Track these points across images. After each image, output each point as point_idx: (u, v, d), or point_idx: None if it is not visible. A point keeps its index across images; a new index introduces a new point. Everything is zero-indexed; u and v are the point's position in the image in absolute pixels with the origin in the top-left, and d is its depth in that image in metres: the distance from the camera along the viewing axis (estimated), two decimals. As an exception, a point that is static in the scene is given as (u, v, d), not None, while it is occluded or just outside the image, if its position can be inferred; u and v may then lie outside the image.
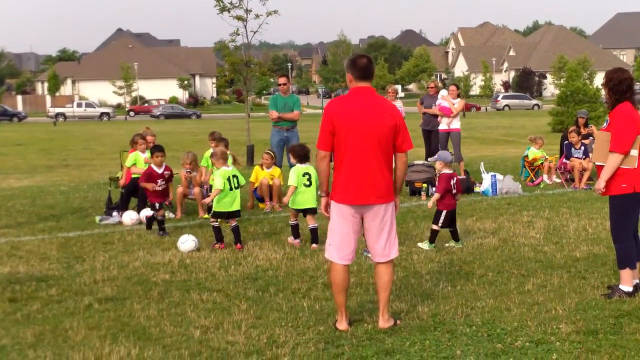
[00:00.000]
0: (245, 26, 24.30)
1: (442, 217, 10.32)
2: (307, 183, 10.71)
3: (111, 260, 9.99)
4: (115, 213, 13.17)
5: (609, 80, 7.74)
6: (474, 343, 6.41)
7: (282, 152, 15.51)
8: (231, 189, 10.61)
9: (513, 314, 7.19)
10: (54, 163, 27.47)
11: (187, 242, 10.36)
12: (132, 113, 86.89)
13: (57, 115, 79.63)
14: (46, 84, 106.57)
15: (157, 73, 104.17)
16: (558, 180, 16.74)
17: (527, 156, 17.43)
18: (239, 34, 24.63)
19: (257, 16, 24.02)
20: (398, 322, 6.94)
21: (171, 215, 13.12)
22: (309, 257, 9.79)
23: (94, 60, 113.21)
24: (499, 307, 7.40)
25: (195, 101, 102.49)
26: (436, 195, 10.42)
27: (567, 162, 16.62)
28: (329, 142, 6.61)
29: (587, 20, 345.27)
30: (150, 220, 11.90)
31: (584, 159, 16.26)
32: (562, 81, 46.93)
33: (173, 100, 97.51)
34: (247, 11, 24.07)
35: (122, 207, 13.21)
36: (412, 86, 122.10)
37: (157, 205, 11.64)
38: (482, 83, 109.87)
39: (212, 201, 10.66)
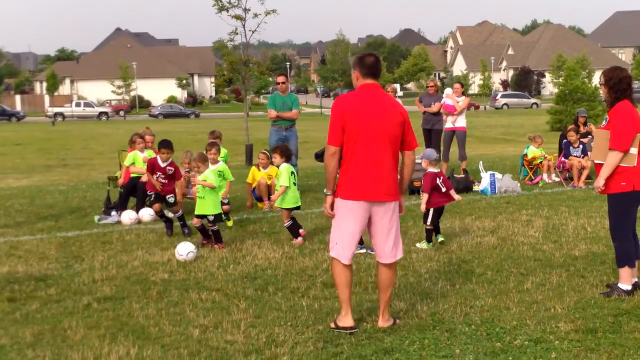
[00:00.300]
0: (244, 25, 24.30)
1: (429, 215, 10.36)
2: (295, 181, 11.10)
3: (110, 259, 9.98)
4: (114, 212, 13.16)
5: (608, 79, 7.73)
6: (473, 342, 6.41)
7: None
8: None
9: (512, 312, 7.19)
10: (53, 163, 27.49)
11: (189, 255, 9.76)
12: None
13: (56, 115, 79.72)
14: (45, 84, 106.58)
15: (155, 72, 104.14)
16: (557, 179, 16.75)
17: (526, 155, 17.44)
18: (237, 33, 24.63)
19: (255, 15, 24.01)
20: (397, 321, 6.91)
21: (170, 214, 13.09)
22: (307, 256, 9.78)
23: (92, 59, 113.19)
24: (498, 306, 7.40)
25: (193, 100, 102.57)
26: (425, 196, 10.45)
27: (566, 160, 16.64)
28: (340, 137, 6.53)
29: (585, 19, 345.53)
30: (160, 217, 11.84)
31: (583, 157, 16.28)
32: (560, 80, 47.00)
33: (172, 99, 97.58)
34: (246, 10, 24.06)
35: (121, 206, 13.21)
36: (410, 85, 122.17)
37: (152, 196, 11.71)
38: (481, 82, 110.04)
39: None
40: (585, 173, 15.94)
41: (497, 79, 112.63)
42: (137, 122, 61.62)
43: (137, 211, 12.97)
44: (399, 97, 18.26)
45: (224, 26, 25.53)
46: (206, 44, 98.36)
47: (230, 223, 12.06)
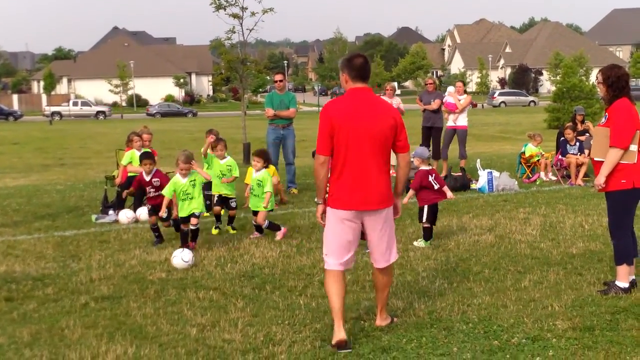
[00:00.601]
0: (241, 24, 24.26)
1: (424, 213, 10.40)
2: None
3: (107, 258, 9.98)
4: (111, 212, 13.17)
5: (606, 77, 7.74)
6: (470, 340, 6.41)
7: (278, 150, 15.53)
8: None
9: (509, 310, 7.20)
10: (50, 162, 27.44)
11: (188, 262, 9.39)
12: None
13: (53, 114, 79.59)
14: (42, 83, 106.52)
15: (153, 71, 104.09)
16: (554, 177, 16.77)
17: (523, 153, 17.45)
18: (234, 32, 24.58)
19: (252, 14, 23.97)
20: (395, 319, 6.90)
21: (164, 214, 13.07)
22: (305, 255, 9.79)
23: (89, 58, 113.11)
24: (495, 304, 7.41)
25: (191, 99, 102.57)
26: (410, 192, 10.50)
27: (563, 158, 16.66)
28: (328, 146, 6.27)
29: (583, 16, 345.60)
30: (152, 230, 11.09)
31: (580, 155, 16.30)
32: (558, 78, 47.07)
33: (169, 98, 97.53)
34: (243, 9, 24.03)
35: (118, 205, 13.21)
36: (408, 83, 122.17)
37: (149, 207, 11.20)
38: (479, 80, 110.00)
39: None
40: (582, 170, 15.96)
41: (494, 77, 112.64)
42: (134, 121, 61.60)
43: (135, 210, 12.96)
44: (397, 95, 18.31)
45: (221, 25, 25.56)
46: (203, 43, 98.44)
47: (216, 232, 11.65)
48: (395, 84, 29.36)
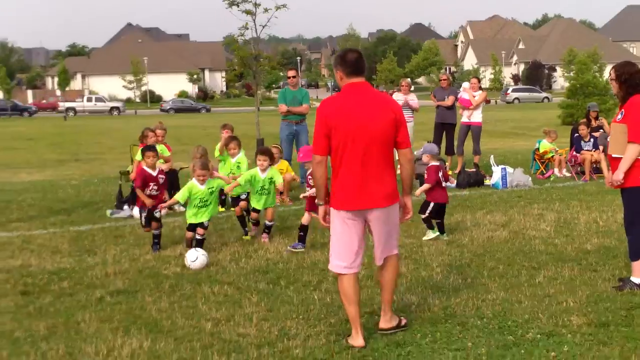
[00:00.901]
0: (254, 20, 24.23)
1: (429, 208, 10.42)
2: None
3: (122, 253, 10.01)
4: (126, 206, 13.22)
5: (620, 74, 7.70)
6: (485, 335, 6.40)
7: (291, 146, 15.53)
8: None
9: (524, 306, 7.18)
10: (65, 157, 27.54)
11: (197, 260, 9.13)
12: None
13: (68, 109, 79.90)
14: (56, 79, 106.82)
15: (166, 67, 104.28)
16: (568, 174, 16.71)
17: (537, 149, 17.40)
18: (247, 28, 24.56)
19: (265, 10, 23.94)
20: (404, 320, 6.63)
21: (182, 208, 13.08)
22: (319, 250, 9.78)
23: (103, 55, 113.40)
24: (509, 300, 7.39)
25: (204, 95, 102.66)
26: (426, 186, 10.51)
27: (578, 155, 16.61)
28: (325, 146, 6.05)
29: (596, 13, 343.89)
30: (155, 238, 10.28)
31: (594, 151, 16.24)
32: (571, 74, 46.81)
33: (183, 94, 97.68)
34: (256, 5, 24.00)
35: (133, 200, 13.23)
36: (421, 79, 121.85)
37: (143, 216, 10.47)
38: (492, 76, 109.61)
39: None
40: (603, 164, 15.77)
41: (508, 73, 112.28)
42: (148, 117, 61.69)
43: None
44: (412, 91, 18.22)
45: (234, 21, 25.56)
46: (217, 39, 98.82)
47: (247, 237, 10.87)
48: (409, 80, 29.22)
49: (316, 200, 6.42)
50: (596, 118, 18.33)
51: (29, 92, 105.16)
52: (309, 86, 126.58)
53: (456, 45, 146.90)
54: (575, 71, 42.18)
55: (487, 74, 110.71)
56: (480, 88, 17.70)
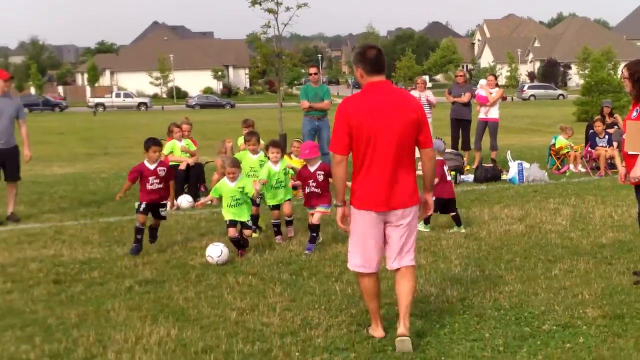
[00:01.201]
0: (276, 19, 24.23)
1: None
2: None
3: (150, 244, 10.04)
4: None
5: (633, 72, 7.61)
6: (502, 326, 6.38)
7: (313, 141, 15.51)
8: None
9: (540, 298, 7.15)
10: (95, 151, 27.67)
11: (222, 254, 8.90)
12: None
13: (97, 105, 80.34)
14: (86, 75, 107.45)
15: (192, 64, 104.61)
16: (583, 169, 16.62)
17: (553, 145, 17.32)
18: (270, 27, 24.56)
19: (287, 9, 23.94)
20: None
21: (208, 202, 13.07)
22: (340, 243, 9.76)
23: (131, 52, 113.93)
24: (526, 292, 7.36)
25: (229, 91, 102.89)
26: (435, 180, 10.42)
27: (592, 151, 16.52)
28: (345, 145, 5.74)
29: (610, 11, 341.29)
30: (136, 233, 9.61)
31: (609, 147, 16.15)
32: (586, 72, 46.57)
33: (208, 90, 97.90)
34: (278, 4, 23.98)
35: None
36: (439, 77, 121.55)
37: (142, 205, 9.63)
38: (508, 74, 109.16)
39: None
40: (617, 160, 15.63)
41: (523, 70, 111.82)
42: (174, 113, 61.90)
43: (176, 198, 13.04)
44: (428, 88, 18.23)
45: (257, 19, 25.48)
46: (240, 37, 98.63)
47: (256, 234, 10.36)
48: (427, 77, 29.13)
49: (334, 202, 6.05)
50: (610, 115, 18.20)
51: (60, 88, 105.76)
52: (330, 83, 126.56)
53: (473, 44, 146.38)
54: (590, 69, 41.94)
55: (503, 72, 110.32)
56: (496, 85, 17.61)
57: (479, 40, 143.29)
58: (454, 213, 10.51)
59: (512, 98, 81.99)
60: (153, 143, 9.86)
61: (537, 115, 45.90)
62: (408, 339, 5.81)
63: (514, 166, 15.41)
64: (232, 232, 9.23)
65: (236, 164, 9.61)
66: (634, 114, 7.64)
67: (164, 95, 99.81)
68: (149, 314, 6.98)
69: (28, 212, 12.94)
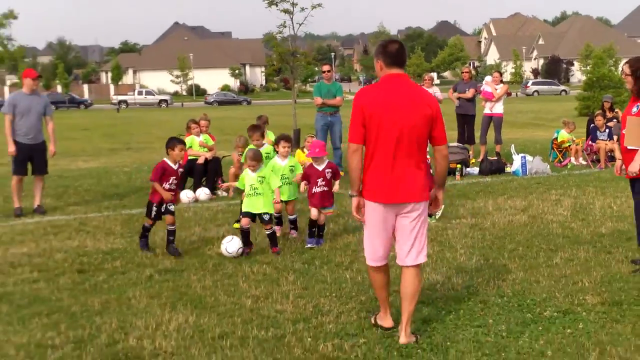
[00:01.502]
0: (292, 19, 24.24)
1: None
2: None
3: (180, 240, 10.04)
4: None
5: (635, 69, 7.56)
6: (505, 313, 6.37)
7: (326, 136, 15.50)
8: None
9: (542, 285, 7.13)
10: (118, 146, 27.74)
11: (232, 242, 8.75)
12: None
13: (120, 102, 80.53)
14: (110, 74, 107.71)
15: (210, 63, 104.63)
16: (584, 162, 16.55)
17: (556, 139, 17.27)
18: (285, 26, 24.58)
19: (302, 9, 23.97)
20: (418, 337, 5.83)
21: (224, 194, 13.12)
22: (351, 233, 9.77)
23: (153, 51, 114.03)
24: (528, 280, 7.35)
25: (245, 89, 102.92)
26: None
27: (593, 144, 16.46)
28: (360, 134, 5.53)
29: (612, 10, 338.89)
30: (144, 231, 9.25)
31: (609, 140, 16.08)
32: (588, 68, 46.39)
33: (226, 88, 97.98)
34: (293, 4, 24.01)
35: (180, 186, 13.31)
36: (447, 74, 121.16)
37: (153, 208, 9.09)
38: (513, 70, 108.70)
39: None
40: (617, 153, 15.57)
41: (528, 67, 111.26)
42: (193, 109, 61.95)
43: (195, 190, 13.08)
44: (436, 84, 18.18)
45: (273, 19, 25.52)
46: (257, 36, 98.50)
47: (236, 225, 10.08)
48: (434, 74, 28.97)
49: (349, 192, 5.77)
50: (611, 109, 18.12)
51: (85, 87, 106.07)
52: (342, 80, 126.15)
53: (480, 42, 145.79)
54: (592, 65, 41.79)
55: (508, 69, 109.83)
56: (501, 81, 17.55)
57: (485, 38, 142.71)
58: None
59: (517, 94, 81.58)
60: (179, 142, 9.29)
61: (540, 110, 45.68)
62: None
63: (517, 159, 15.37)
64: (245, 222, 8.84)
65: (257, 157, 8.95)
66: (634, 109, 7.60)
67: (184, 93, 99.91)
68: (168, 302, 7.00)
69: (54, 204, 13.00)
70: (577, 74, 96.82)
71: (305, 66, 36.71)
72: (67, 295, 7.33)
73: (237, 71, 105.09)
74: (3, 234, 10.53)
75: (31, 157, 12.07)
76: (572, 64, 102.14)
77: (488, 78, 17.88)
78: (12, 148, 11.87)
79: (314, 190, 9.18)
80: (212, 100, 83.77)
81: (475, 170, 15.48)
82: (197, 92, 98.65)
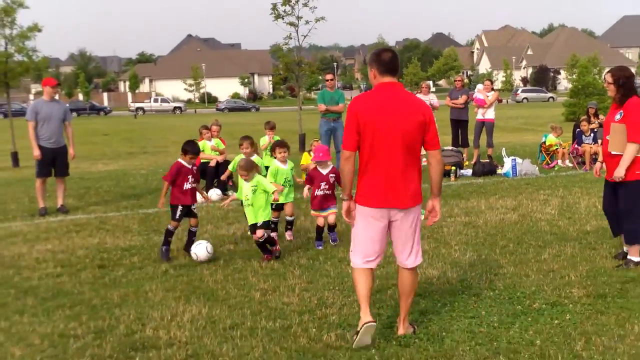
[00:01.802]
0: (297, 31, 24.30)
1: None
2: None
3: (184, 232, 10.02)
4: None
5: (617, 78, 7.51)
6: (497, 305, 6.36)
7: (329, 140, 15.51)
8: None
9: (531, 279, 7.12)
10: (135, 150, 27.77)
11: (200, 246, 8.39)
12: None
13: (137, 109, 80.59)
14: (127, 83, 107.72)
15: (221, 72, 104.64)
16: (571, 164, 16.54)
17: (544, 142, 17.25)
18: (291, 38, 24.65)
19: (307, 22, 24.03)
20: (415, 328, 5.83)
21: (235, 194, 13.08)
22: (353, 230, 9.74)
23: (168, 62, 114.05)
24: (518, 274, 7.33)
25: (254, 96, 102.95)
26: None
27: (579, 147, 16.45)
28: (354, 141, 5.32)
29: (596, 22, 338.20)
30: (167, 236, 8.70)
31: (594, 144, 16.07)
32: (574, 77, 46.23)
33: (235, 95, 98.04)
34: (298, 18, 24.08)
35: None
36: (442, 82, 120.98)
37: (178, 210, 8.68)
38: (504, 79, 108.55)
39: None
40: (600, 157, 15.54)
41: (517, 76, 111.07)
42: (206, 116, 62.01)
43: (207, 191, 13.08)
44: (432, 92, 18.16)
45: (279, 32, 25.58)
46: (264, 48, 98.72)
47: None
48: (430, 82, 29.06)
49: (341, 196, 5.61)
50: (595, 115, 18.08)
51: (105, 95, 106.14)
52: (344, 88, 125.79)
53: (472, 52, 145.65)
54: (577, 74, 41.61)
55: (499, 77, 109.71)
56: (492, 89, 17.53)
57: (477, 48, 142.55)
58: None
59: (507, 101, 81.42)
60: (191, 150, 8.81)
61: (530, 116, 45.60)
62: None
63: (508, 161, 15.34)
64: (255, 235, 8.28)
65: (247, 167, 8.38)
66: (617, 116, 7.54)
67: (197, 100, 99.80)
68: (183, 295, 7.01)
69: (76, 204, 13.02)
70: (564, 82, 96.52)
71: (309, 75, 36.77)
72: (88, 289, 7.35)
73: (246, 80, 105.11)
74: (28, 232, 10.55)
75: (54, 161, 12.09)
76: (559, 73, 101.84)
77: (480, 86, 17.87)
78: (37, 152, 11.89)
79: (316, 193, 8.91)
80: (223, 107, 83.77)
81: (469, 172, 15.47)
82: (209, 99, 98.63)
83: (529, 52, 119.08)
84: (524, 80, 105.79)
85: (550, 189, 13.04)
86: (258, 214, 8.27)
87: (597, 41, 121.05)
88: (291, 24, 24.15)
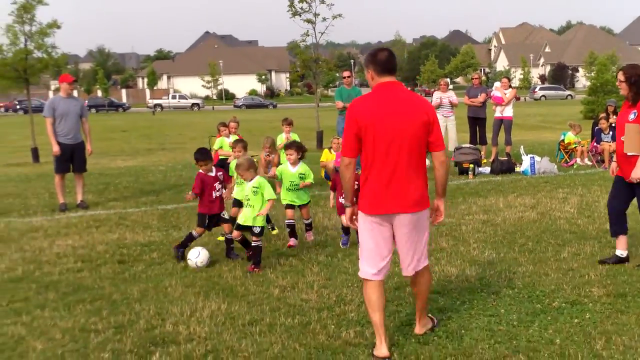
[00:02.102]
0: (314, 28, 24.29)
1: None
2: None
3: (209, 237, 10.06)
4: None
5: (629, 76, 7.40)
6: (516, 303, 6.33)
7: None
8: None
9: (550, 278, 7.08)
10: (153, 146, 27.87)
11: (200, 255, 8.01)
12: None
13: (155, 105, 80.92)
14: (145, 79, 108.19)
15: (239, 69, 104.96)
16: (589, 162, 16.43)
17: (562, 140, 17.17)
18: (308, 35, 24.64)
19: (324, 19, 24.03)
20: (436, 321, 5.81)
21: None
22: (371, 228, 9.73)
23: (185, 58, 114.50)
24: (537, 272, 7.29)
25: (271, 93, 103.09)
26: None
27: (598, 145, 16.33)
28: (354, 147, 5.06)
29: (615, 19, 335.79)
30: (187, 240, 8.48)
31: (613, 142, 15.95)
32: (592, 74, 45.89)
33: (253, 92, 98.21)
34: (316, 15, 24.07)
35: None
36: (459, 79, 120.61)
37: (206, 219, 8.46)
38: (521, 76, 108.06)
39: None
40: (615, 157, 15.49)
41: (535, 73, 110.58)
42: (223, 112, 62.17)
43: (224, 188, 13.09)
44: (450, 89, 18.08)
45: (297, 29, 25.56)
46: (282, 44, 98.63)
47: (275, 232, 9.82)
48: (448, 79, 29.04)
49: (343, 203, 5.45)
50: (614, 113, 17.95)
51: (123, 91, 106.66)
52: (362, 85, 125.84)
53: (490, 49, 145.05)
54: (596, 72, 41.32)
55: (517, 75, 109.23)
56: (510, 87, 17.46)
57: (495, 46, 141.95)
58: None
59: (525, 98, 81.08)
60: (202, 159, 8.42)
61: (548, 114, 45.37)
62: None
63: (526, 159, 15.29)
64: (234, 234, 8.19)
65: (247, 166, 8.07)
66: (632, 116, 7.40)
67: (214, 97, 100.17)
68: (202, 291, 7.02)
69: (96, 200, 13.09)
70: (582, 80, 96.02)
71: (326, 72, 36.66)
72: (108, 284, 7.39)
73: (263, 77, 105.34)
74: (49, 227, 10.62)
75: (72, 157, 12.15)
76: (577, 70, 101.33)
77: (497, 84, 17.81)
78: (56, 148, 11.96)
79: (340, 199, 8.55)
80: (241, 104, 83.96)
81: (487, 169, 15.42)
82: (227, 96, 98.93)
83: (547, 49, 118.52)
84: (542, 78, 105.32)
85: (569, 187, 12.97)
86: (256, 219, 7.96)
87: (616, 38, 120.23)
88: (308, 21, 24.16)
